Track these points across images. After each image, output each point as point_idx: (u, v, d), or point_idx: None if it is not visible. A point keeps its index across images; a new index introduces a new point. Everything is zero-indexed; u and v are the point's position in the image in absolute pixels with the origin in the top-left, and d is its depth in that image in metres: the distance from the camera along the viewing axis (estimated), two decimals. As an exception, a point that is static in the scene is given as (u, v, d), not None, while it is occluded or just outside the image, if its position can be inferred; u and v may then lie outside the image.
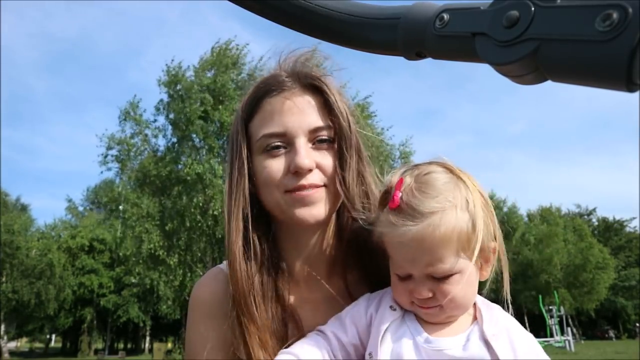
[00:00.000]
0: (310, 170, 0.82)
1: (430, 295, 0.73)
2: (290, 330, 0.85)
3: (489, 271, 0.78)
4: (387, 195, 0.77)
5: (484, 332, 0.72)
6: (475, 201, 0.73)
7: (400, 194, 0.73)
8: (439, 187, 0.72)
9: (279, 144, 0.84)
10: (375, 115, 20.65)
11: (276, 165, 0.84)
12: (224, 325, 0.84)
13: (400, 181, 0.75)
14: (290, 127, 0.83)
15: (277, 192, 0.84)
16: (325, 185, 0.84)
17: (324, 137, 0.85)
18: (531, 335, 0.76)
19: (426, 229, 0.69)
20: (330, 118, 0.87)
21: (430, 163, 0.79)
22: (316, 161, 0.84)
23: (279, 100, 0.85)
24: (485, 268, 0.77)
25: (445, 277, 0.71)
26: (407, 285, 0.75)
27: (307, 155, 0.82)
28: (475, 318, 0.77)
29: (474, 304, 0.79)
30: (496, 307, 0.79)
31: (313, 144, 0.85)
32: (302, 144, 0.83)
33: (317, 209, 0.83)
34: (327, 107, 0.87)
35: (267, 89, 0.87)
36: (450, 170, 0.76)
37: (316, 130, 0.85)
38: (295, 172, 0.82)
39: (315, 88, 0.87)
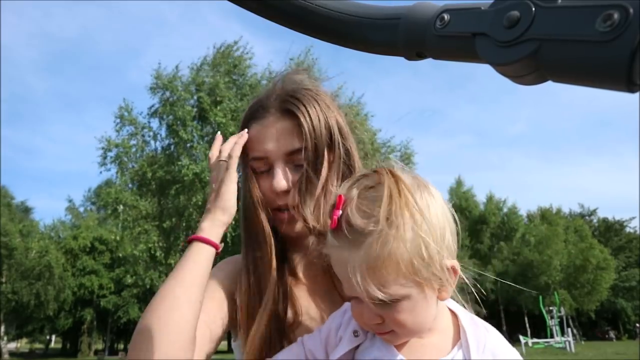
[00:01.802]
0: (288, 191, 0.92)
1: (379, 321, 0.67)
2: (289, 315, 0.92)
3: (450, 291, 0.70)
4: (331, 211, 0.70)
5: None
6: (424, 217, 0.65)
7: (340, 212, 0.67)
8: (380, 203, 0.64)
9: (262, 165, 0.95)
10: (372, 116, 20.60)
11: (262, 186, 0.95)
12: (224, 296, 0.92)
13: (339, 199, 0.68)
14: (269, 152, 0.94)
15: (267, 208, 0.96)
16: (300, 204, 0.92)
17: (301, 158, 0.93)
18: (513, 351, 0.72)
19: (361, 256, 0.63)
20: (307, 138, 0.93)
21: (377, 171, 0.70)
22: (293, 181, 0.93)
23: (258, 126, 0.96)
24: (445, 289, 0.69)
25: (392, 303, 0.65)
26: (358, 308, 0.69)
27: (282, 178, 0.92)
28: (458, 337, 0.72)
29: (459, 322, 0.74)
30: (481, 325, 0.74)
31: (294, 165, 0.94)
32: (279, 168, 0.93)
33: (296, 225, 0.94)
34: (303, 128, 0.93)
35: (252, 113, 0.99)
36: (397, 180, 0.67)
37: (292, 152, 0.93)
38: (275, 193, 0.93)
39: (292, 113, 0.94)
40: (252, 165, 0.96)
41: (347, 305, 0.80)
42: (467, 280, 0.75)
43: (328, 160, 0.94)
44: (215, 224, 0.88)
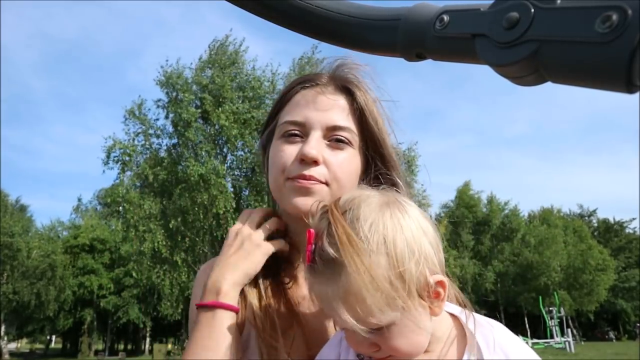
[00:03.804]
0: (316, 163, 0.82)
1: (376, 348, 0.65)
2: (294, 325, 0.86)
3: (442, 307, 0.67)
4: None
5: None
6: (396, 239, 0.62)
7: (312, 247, 0.64)
8: (347, 232, 0.61)
9: (296, 132, 0.86)
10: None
11: (288, 151, 0.85)
12: None
13: (310, 234, 0.65)
14: (310, 119, 0.85)
15: (280, 177, 0.85)
16: (327, 183, 0.83)
17: (340, 137, 0.85)
18: (524, 344, 0.71)
19: (338, 289, 0.61)
20: (356, 122, 0.88)
21: (358, 191, 0.69)
22: (324, 157, 0.84)
23: (309, 93, 0.88)
24: (437, 304, 0.66)
25: (381, 329, 0.63)
26: (352, 337, 0.67)
27: (316, 146, 0.82)
28: (464, 340, 0.70)
29: (462, 324, 0.72)
30: (485, 323, 0.72)
31: (329, 141, 0.86)
32: (316, 136, 0.84)
33: (311, 199, 0.80)
34: (355, 111, 0.88)
35: (303, 82, 0.91)
36: (370, 202, 0.66)
37: (334, 128, 0.85)
38: (301, 160, 0.82)
39: (348, 91, 0.89)
40: (285, 128, 0.87)
41: (339, 334, 0.77)
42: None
43: (369, 151, 0.89)
44: (236, 288, 0.81)
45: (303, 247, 0.87)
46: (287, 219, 0.92)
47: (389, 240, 0.62)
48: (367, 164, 0.90)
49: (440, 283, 0.66)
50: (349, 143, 0.86)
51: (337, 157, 0.85)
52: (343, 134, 0.85)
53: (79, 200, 46.57)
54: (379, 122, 0.90)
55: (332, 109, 0.86)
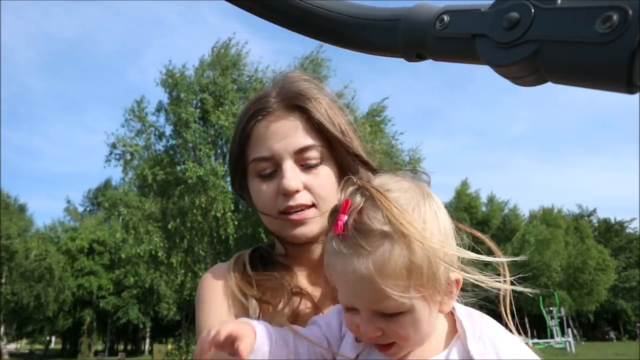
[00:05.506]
0: (298, 191, 0.86)
1: (379, 333, 0.64)
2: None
3: (450, 305, 0.68)
4: (333, 216, 0.66)
5: (469, 352, 0.65)
6: (434, 228, 0.63)
7: (346, 217, 0.63)
8: (392, 211, 0.60)
9: (269, 166, 0.89)
10: (390, 120, 20.16)
11: (267, 189, 0.89)
12: (230, 310, 0.87)
13: (346, 203, 0.64)
14: (276, 151, 0.87)
15: (271, 214, 0.89)
16: (314, 205, 0.88)
17: (312, 157, 0.88)
18: (517, 340, 0.70)
19: (371, 263, 0.60)
20: (318, 135, 0.89)
21: (390, 177, 0.69)
22: (304, 182, 0.87)
23: (264, 124, 0.90)
24: (447, 301, 0.67)
25: (394, 315, 0.62)
26: (354, 318, 0.66)
27: (293, 177, 0.86)
28: (455, 330, 0.70)
29: (453, 314, 0.72)
30: (476, 314, 0.72)
31: (302, 165, 0.88)
32: (288, 167, 0.86)
33: (308, 228, 0.88)
34: (313, 124, 0.89)
35: (254, 113, 0.91)
36: (407, 189, 0.66)
37: (302, 150, 0.88)
38: (284, 194, 0.86)
39: (300, 108, 0.90)
40: (255, 168, 0.90)
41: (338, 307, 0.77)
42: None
43: (341, 157, 0.92)
44: None
45: (299, 263, 0.94)
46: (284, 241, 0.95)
47: (427, 229, 0.62)
48: (342, 168, 0.92)
49: (457, 281, 0.67)
50: (320, 159, 0.89)
51: (316, 178, 0.88)
52: (312, 154, 0.88)
53: (68, 202, 46.54)
54: (342, 125, 0.92)
55: (292, 132, 0.88)
